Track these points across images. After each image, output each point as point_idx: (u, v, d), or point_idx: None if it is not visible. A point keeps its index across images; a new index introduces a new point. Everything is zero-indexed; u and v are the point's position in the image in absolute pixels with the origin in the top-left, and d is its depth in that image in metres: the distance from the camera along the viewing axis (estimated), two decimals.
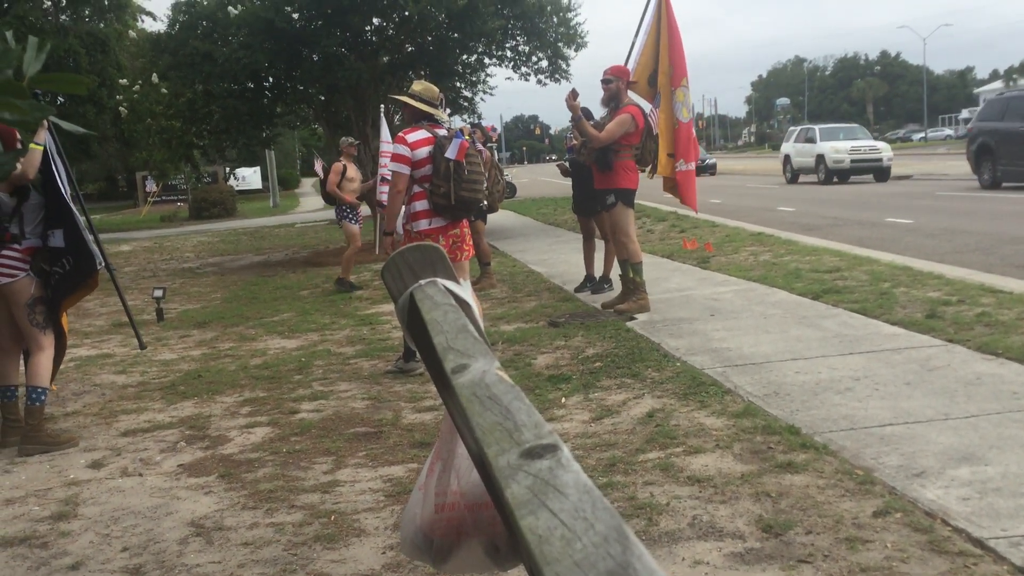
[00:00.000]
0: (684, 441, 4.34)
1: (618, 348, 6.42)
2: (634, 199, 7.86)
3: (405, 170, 6.06)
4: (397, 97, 6.94)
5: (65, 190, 5.29)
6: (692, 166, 8.11)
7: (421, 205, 6.10)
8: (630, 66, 8.07)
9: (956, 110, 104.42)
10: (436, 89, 6.38)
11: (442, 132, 6.14)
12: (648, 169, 8.07)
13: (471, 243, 6.46)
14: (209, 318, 9.72)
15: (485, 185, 6.17)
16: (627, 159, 7.71)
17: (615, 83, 7.77)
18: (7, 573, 3.53)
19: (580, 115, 7.85)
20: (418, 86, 6.35)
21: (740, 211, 17.54)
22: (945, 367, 5.22)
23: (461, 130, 6.16)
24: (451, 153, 5.96)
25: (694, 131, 8.26)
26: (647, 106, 7.88)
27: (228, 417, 5.63)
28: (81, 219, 5.37)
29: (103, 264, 5.50)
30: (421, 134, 6.09)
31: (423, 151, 6.04)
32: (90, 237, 5.38)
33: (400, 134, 6.23)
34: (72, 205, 5.31)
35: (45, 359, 5.26)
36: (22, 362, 5.49)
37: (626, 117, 7.61)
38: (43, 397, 5.23)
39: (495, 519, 1.65)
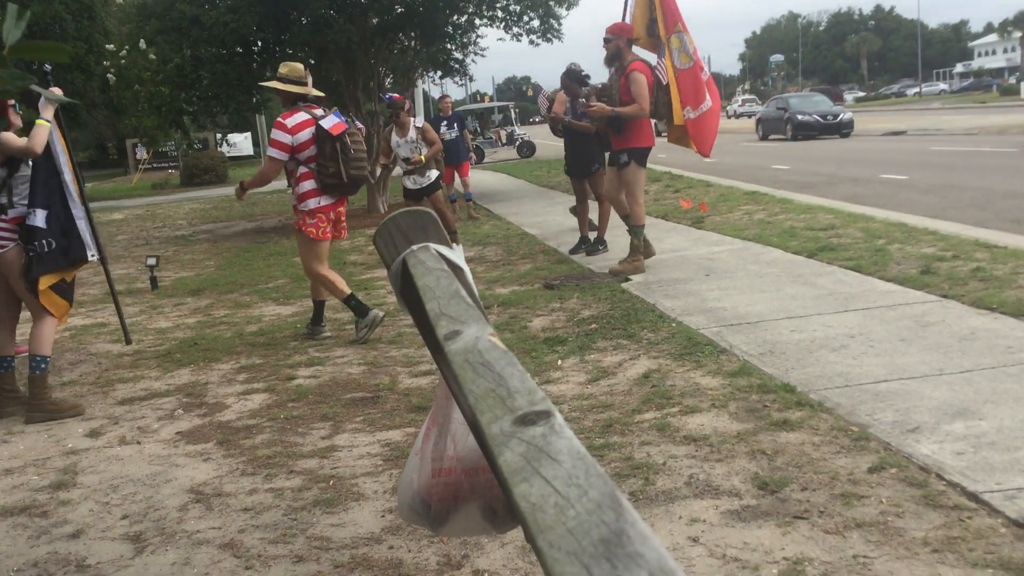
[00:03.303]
0: (680, 401, 4.35)
1: (614, 309, 6.42)
2: (647, 158, 7.83)
3: (282, 157, 6.19)
4: (266, 84, 7.03)
5: (63, 172, 5.24)
6: (703, 110, 7.85)
7: (309, 185, 6.24)
8: (626, 19, 8.02)
9: (951, 64, 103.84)
10: (301, 67, 6.45)
11: (319, 112, 6.23)
12: (664, 123, 8.03)
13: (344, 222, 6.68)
14: (203, 285, 9.70)
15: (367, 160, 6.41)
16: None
17: (615, 41, 7.73)
18: (8, 543, 3.55)
19: (614, 112, 7.60)
20: (284, 68, 6.41)
21: (732, 169, 17.46)
22: (940, 323, 5.23)
23: (337, 109, 6.33)
24: (328, 128, 6.08)
25: (703, 74, 8.03)
26: (652, 58, 7.85)
27: (225, 384, 5.64)
28: (80, 208, 5.31)
29: (96, 256, 5.43)
30: (300, 117, 6.18)
31: (304, 134, 6.15)
32: (86, 226, 5.32)
33: (279, 119, 6.27)
34: (72, 189, 5.26)
35: (46, 328, 5.26)
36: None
37: (640, 77, 7.59)
38: (43, 365, 5.23)
39: (491, 483, 1.65)
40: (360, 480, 3.85)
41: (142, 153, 36.53)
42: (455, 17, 16.73)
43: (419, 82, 21.58)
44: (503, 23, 16.76)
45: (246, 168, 40.64)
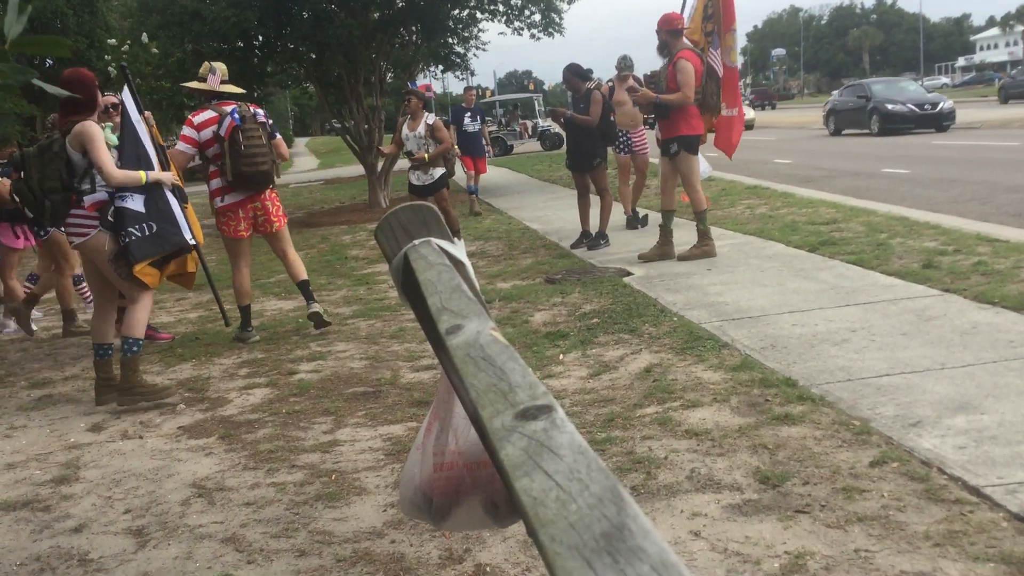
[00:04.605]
0: (682, 395, 4.35)
1: (615, 304, 6.42)
2: (698, 146, 7.91)
3: (188, 150, 6.36)
4: (186, 85, 7.14)
5: (153, 156, 5.27)
6: (735, 112, 8.23)
7: (216, 183, 6.44)
8: (686, 13, 8.22)
9: (952, 58, 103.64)
10: (223, 67, 6.64)
11: (227, 109, 6.33)
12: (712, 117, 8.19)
13: (281, 213, 6.71)
14: (205, 280, 9.68)
15: (269, 158, 6.40)
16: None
17: (660, 33, 7.92)
18: (10, 537, 3.56)
19: (659, 99, 7.79)
20: (204, 69, 6.57)
21: (733, 164, 17.44)
22: (941, 317, 5.23)
23: (237, 107, 6.36)
24: (221, 131, 6.24)
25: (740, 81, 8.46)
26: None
27: (227, 379, 5.64)
28: (175, 196, 5.32)
29: (195, 243, 5.39)
30: (207, 115, 6.35)
31: (209, 131, 6.32)
32: (181, 212, 5.32)
33: (189, 116, 6.52)
34: (165, 175, 5.29)
35: (139, 311, 5.24)
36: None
37: (687, 65, 7.68)
38: (135, 348, 5.21)
39: (493, 477, 1.65)
40: (362, 474, 3.85)
41: None
42: (456, 11, 16.70)
43: (423, 77, 21.54)
44: (504, 17, 16.73)
45: None
